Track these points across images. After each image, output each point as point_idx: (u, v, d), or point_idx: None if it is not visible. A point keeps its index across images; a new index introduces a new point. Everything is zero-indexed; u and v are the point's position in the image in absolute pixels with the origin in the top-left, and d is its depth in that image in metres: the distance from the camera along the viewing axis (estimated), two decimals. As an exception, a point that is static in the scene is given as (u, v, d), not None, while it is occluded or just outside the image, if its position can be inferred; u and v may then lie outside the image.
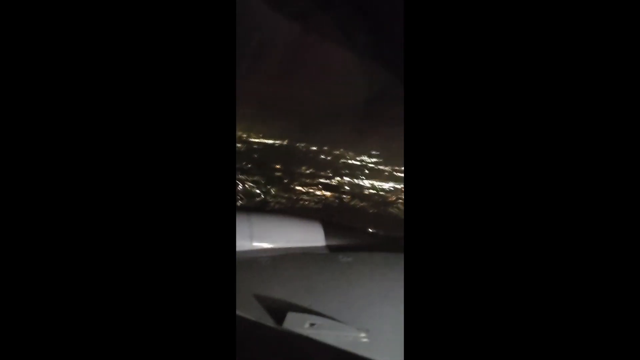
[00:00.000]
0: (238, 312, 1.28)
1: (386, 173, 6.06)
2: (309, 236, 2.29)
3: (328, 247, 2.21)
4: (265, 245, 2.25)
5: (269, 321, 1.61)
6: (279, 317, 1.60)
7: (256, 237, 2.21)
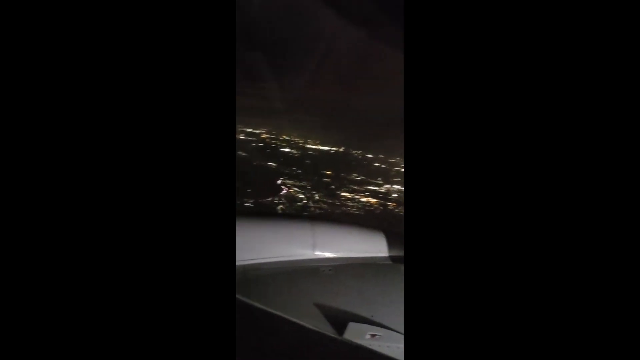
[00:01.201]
0: (299, 321, 1.18)
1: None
2: (372, 246, 1.91)
3: (391, 257, 1.84)
4: (328, 254, 1.89)
5: (329, 330, 1.40)
6: (340, 327, 1.39)
7: (319, 246, 1.88)
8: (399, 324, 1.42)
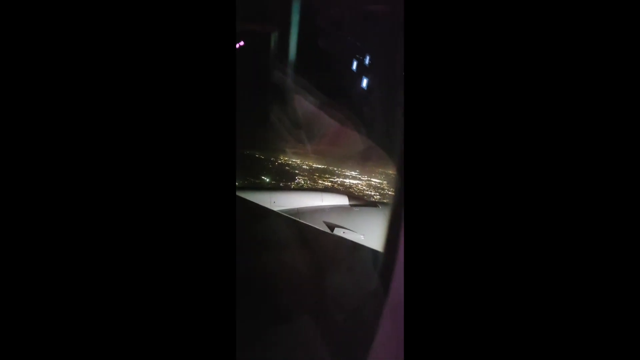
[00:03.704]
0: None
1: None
2: (339, 200, 3.16)
3: (350, 204, 3.15)
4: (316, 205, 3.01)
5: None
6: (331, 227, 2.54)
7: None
8: (354, 228, 2.48)
